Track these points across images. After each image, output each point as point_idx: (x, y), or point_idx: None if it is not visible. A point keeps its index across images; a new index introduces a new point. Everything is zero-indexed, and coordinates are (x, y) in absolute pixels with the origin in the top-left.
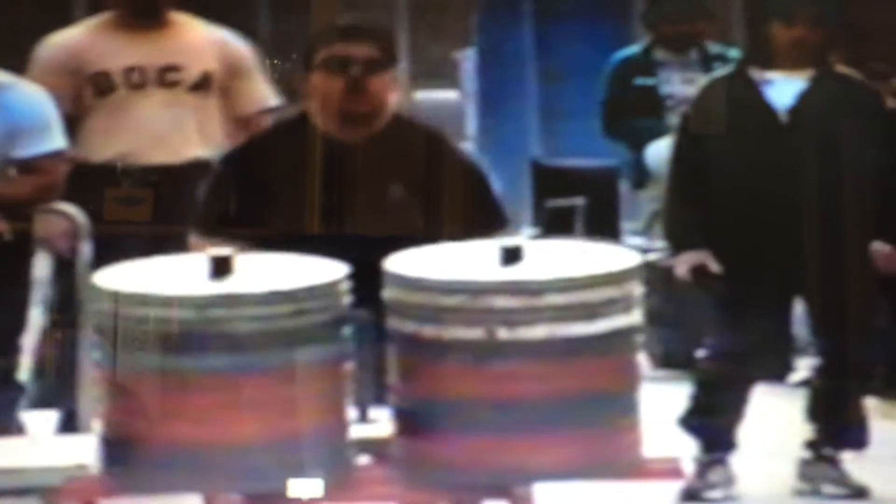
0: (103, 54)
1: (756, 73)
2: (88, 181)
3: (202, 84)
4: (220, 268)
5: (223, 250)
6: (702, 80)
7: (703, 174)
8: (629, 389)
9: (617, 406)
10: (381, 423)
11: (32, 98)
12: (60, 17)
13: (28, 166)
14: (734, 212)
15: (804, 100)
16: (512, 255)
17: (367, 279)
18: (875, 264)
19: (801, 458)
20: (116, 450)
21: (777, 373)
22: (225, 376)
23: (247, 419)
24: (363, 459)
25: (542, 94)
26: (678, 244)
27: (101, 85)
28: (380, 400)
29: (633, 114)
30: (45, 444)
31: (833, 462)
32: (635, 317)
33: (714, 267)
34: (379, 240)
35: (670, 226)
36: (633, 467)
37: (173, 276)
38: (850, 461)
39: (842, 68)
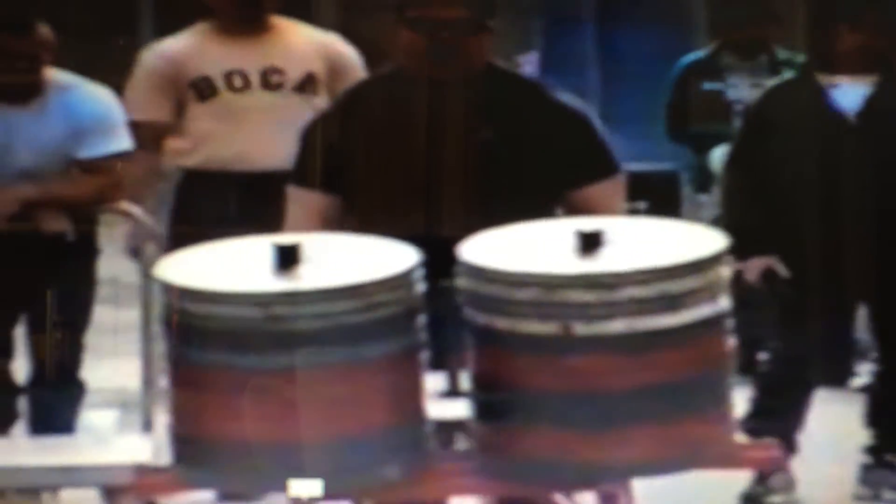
0: (205, 60)
1: (822, 78)
2: (193, 185)
3: (306, 85)
4: (287, 258)
5: (290, 239)
6: (767, 83)
7: (766, 178)
8: (718, 377)
9: (705, 395)
10: (461, 401)
11: (97, 98)
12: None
13: (92, 167)
14: (800, 216)
15: (871, 104)
16: (590, 242)
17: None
18: None
19: (862, 464)
20: (184, 445)
21: (838, 378)
22: (289, 374)
23: (314, 417)
24: (457, 444)
25: (604, 99)
26: (745, 248)
27: (203, 90)
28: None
29: (698, 118)
30: (104, 442)
31: (894, 467)
32: (723, 303)
33: (783, 272)
34: (474, 185)
35: (735, 229)
36: (727, 456)
37: (239, 268)
38: None
39: None
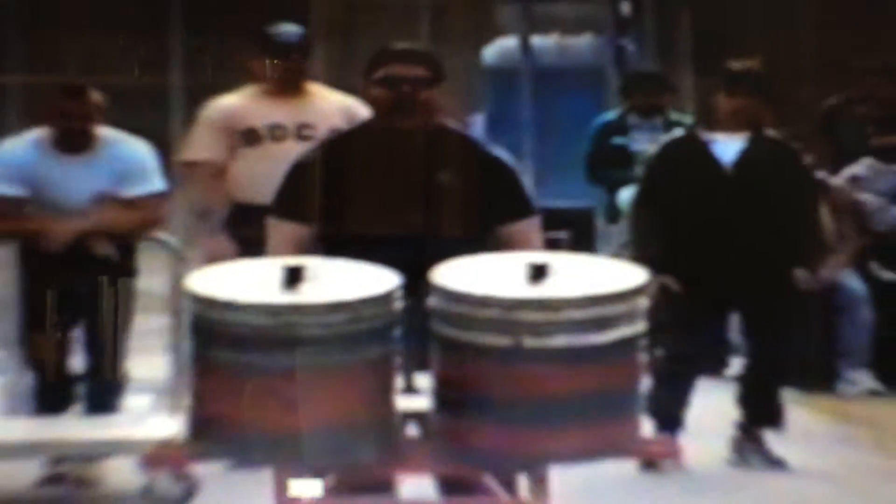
0: (253, 114)
1: (705, 135)
2: (240, 214)
3: None
4: (292, 277)
5: (297, 261)
6: (663, 138)
7: (663, 213)
8: (633, 386)
9: (623, 400)
10: (422, 394)
11: (137, 150)
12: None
13: (134, 203)
14: (688, 244)
15: (743, 156)
16: (539, 272)
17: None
18: (796, 286)
19: (733, 436)
20: (202, 426)
21: (715, 369)
22: (291, 372)
23: (309, 408)
24: (410, 431)
25: (537, 150)
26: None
27: (250, 138)
28: (422, 368)
29: (610, 165)
30: (142, 421)
31: (757, 439)
32: (640, 326)
33: (675, 287)
34: (427, 218)
35: (639, 255)
36: (636, 449)
37: (254, 283)
38: (771, 438)
39: (769, 131)
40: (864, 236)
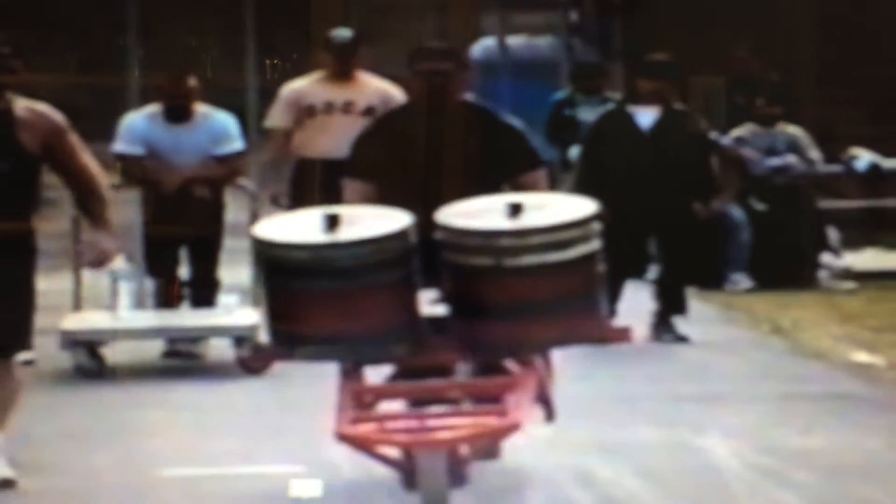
0: (313, 95)
1: (630, 108)
2: (303, 166)
3: (367, 112)
4: (331, 222)
5: (333, 209)
6: (599, 111)
7: (600, 167)
8: (593, 290)
9: (584, 301)
10: (441, 305)
11: (225, 119)
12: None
13: (222, 159)
14: (617, 188)
15: (657, 124)
16: (515, 209)
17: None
18: (694, 215)
19: (651, 321)
20: (278, 335)
21: (638, 274)
22: (334, 293)
23: (351, 319)
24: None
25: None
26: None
27: (310, 112)
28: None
29: (562, 131)
30: (232, 312)
31: (669, 323)
32: (594, 244)
33: (608, 217)
34: (455, 173)
35: (582, 194)
36: (597, 335)
37: (303, 228)
38: (678, 322)
39: (677, 105)
40: (744, 180)
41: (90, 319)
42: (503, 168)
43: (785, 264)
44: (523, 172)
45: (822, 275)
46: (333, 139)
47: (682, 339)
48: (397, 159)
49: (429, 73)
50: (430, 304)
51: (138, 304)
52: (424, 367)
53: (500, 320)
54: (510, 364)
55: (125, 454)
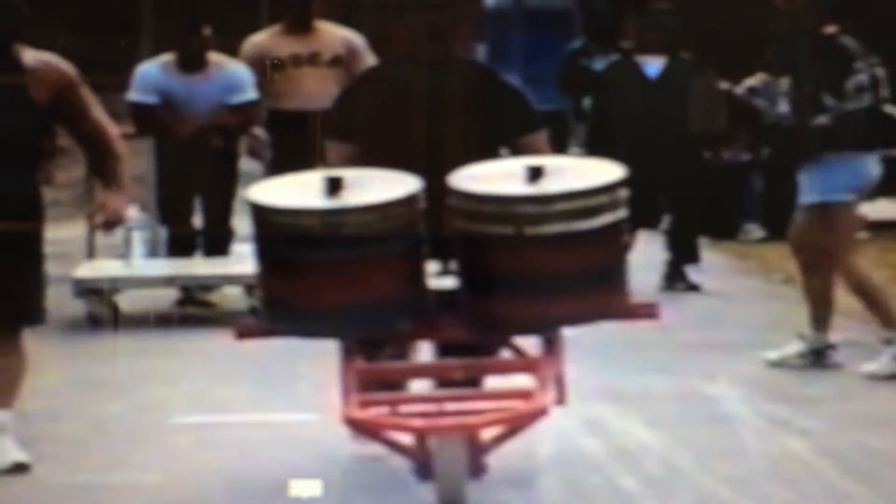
0: (276, 48)
1: (637, 58)
2: (279, 120)
3: (334, 62)
4: (334, 186)
5: (336, 172)
6: (609, 61)
7: (609, 117)
8: (618, 263)
9: (609, 274)
10: (448, 277)
11: (238, 69)
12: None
13: (235, 108)
14: (626, 134)
15: (663, 73)
16: (535, 173)
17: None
18: (705, 164)
19: (664, 270)
20: (272, 307)
21: (652, 224)
22: (336, 262)
23: (353, 290)
24: (441, 305)
25: (524, 69)
26: (598, 153)
27: (277, 66)
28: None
29: (577, 81)
30: (244, 261)
31: (681, 272)
32: (621, 213)
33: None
34: (451, 133)
35: (596, 142)
36: (623, 312)
37: (305, 192)
38: (691, 271)
39: (683, 55)
40: (756, 129)
41: (104, 268)
42: (503, 130)
43: None
44: (524, 135)
45: None
46: (303, 91)
47: (693, 288)
48: (386, 119)
49: (422, 24)
50: (434, 276)
51: (152, 252)
52: (444, 345)
53: (519, 295)
54: (522, 342)
55: (137, 402)
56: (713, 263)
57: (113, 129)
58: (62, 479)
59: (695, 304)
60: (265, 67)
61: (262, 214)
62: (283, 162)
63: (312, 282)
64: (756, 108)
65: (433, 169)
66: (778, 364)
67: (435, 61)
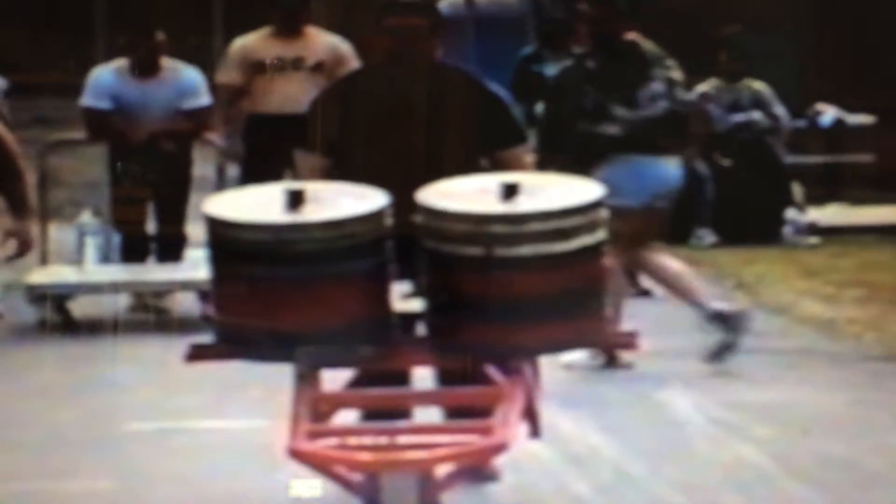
0: (261, 50)
1: (588, 63)
2: (254, 122)
3: (317, 68)
4: (295, 200)
5: (298, 185)
6: (561, 66)
7: (562, 121)
8: (596, 287)
9: (586, 299)
10: (419, 300)
11: (191, 75)
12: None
13: (189, 113)
14: (574, 136)
15: None
16: (510, 191)
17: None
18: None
19: None
20: (225, 329)
21: None
22: (294, 282)
23: (312, 312)
24: (417, 330)
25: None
26: (550, 153)
27: (259, 68)
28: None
29: (529, 87)
30: (197, 267)
31: (632, 277)
32: (600, 235)
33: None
34: (427, 146)
35: (545, 143)
36: (600, 340)
37: (260, 205)
38: (642, 276)
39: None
40: (708, 135)
41: (56, 273)
42: (484, 142)
43: (749, 219)
44: (506, 148)
45: (787, 230)
46: (284, 95)
47: (645, 294)
48: (360, 129)
49: (398, 28)
50: (401, 298)
51: (104, 257)
52: (384, 374)
53: (489, 320)
54: (491, 371)
55: (91, 408)
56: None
57: (15, 146)
58: (16, 487)
59: (646, 310)
60: (248, 69)
61: (216, 228)
62: (257, 167)
63: (266, 302)
64: (707, 114)
65: (408, 183)
66: (569, 367)
67: (410, 67)
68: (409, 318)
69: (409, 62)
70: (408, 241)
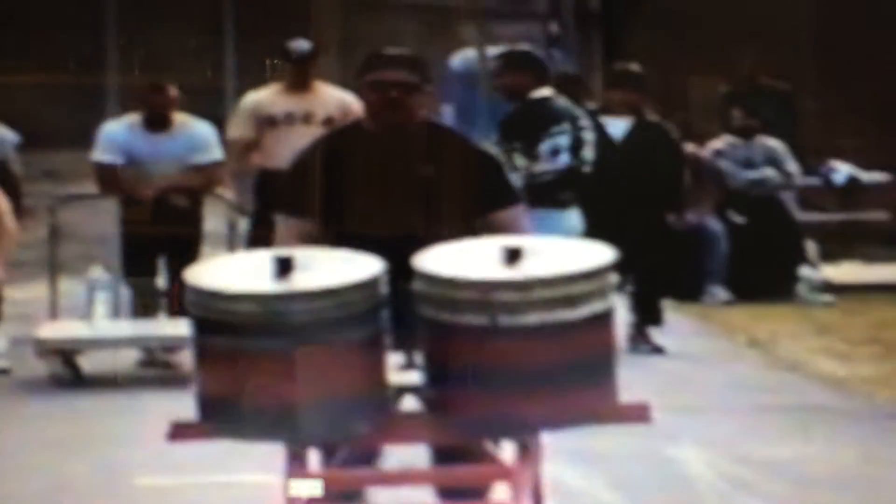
0: (272, 106)
1: (602, 118)
2: (264, 178)
3: (327, 122)
4: (283, 267)
5: (286, 252)
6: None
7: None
8: (606, 357)
9: (596, 370)
10: (415, 371)
11: (203, 129)
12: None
13: (200, 168)
14: (590, 199)
15: (629, 135)
16: (513, 255)
17: (405, 245)
18: (668, 226)
19: (628, 332)
20: (208, 406)
21: (617, 286)
22: (283, 355)
23: (303, 387)
24: (405, 404)
25: (489, 131)
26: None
27: (270, 123)
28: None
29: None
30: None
31: (645, 334)
32: (610, 302)
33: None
34: (416, 209)
35: None
36: (611, 414)
37: (247, 274)
38: (655, 334)
39: (651, 115)
40: (722, 192)
41: (66, 328)
42: (476, 203)
43: (763, 277)
44: (499, 209)
45: (800, 287)
46: (295, 150)
47: (658, 350)
48: (344, 191)
49: (385, 83)
50: (396, 369)
51: (114, 312)
52: (363, 451)
53: (493, 392)
54: (490, 449)
55: (99, 462)
56: (677, 326)
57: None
58: None
59: (659, 367)
60: (258, 124)
61: (199, 298)
62: (268, 222)
63: (254, 377)
64: (721, 170)
65: (400, 248)
66: None
67: (397, 125)
68: (406, 392)
69: (397, 120)
70: (400, 309)
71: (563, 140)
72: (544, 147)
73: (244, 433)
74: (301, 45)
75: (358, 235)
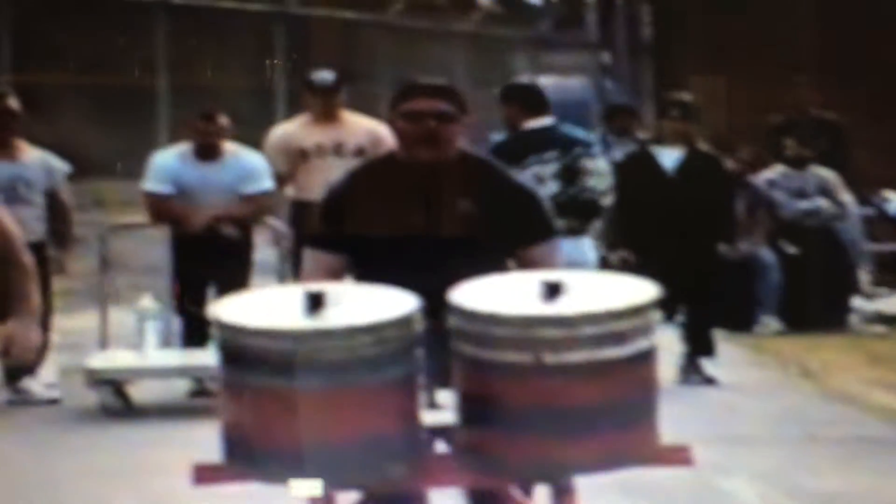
0: (303, 138)
1: (654, 149)
2: (298, 209)
3: (358, 153)
4: (315, 302)
5: (318, 287)
6: (626, 151)
7: (628, 206)
8: (650, 397)
9: (639, 410)
10: (447, 409)
11: (253, 158)
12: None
13: (250, 198)
14: (643, 226)
15: (681, 165)
16: (553, 290)
17: (441, 281)
18: (720, 256)
19: (679, 363)
20: (236, 447)
21: (667, 317)
22: (318, 393)
23: (336, 428)
24: (438, 446)
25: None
26: (614, 244)
27: (301, 155)
28: (445, 384)
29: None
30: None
31: (697, 365)
32: (653, 339)
33: (632, 259)
34: (450, 244)
35: (611, 237)
36: (654, 457)
37: (278, 309)
38: (706, 364)
39: (702, 145)
40: (774, 222)
41: (116, 358)
42: (511, 238)
43: (815, 307)
44: (535, 244)
45: (853, 318)
46: (327, 181)
47: (709, 381)
48: (379, 224)
49: (421, 114)
50: (428, 409)
51: (164, 342)
52: (394, 496)
53: (535, 433)
54: (519, 495)
55: (149, 493)
56: (729, 356)
57: (17, 236)
58: None
59: (710, 397)
60: (290, 156)
61: (227, 334)
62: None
63: (282, 416)
64: (773, 200)
65: (434, 283)
66: None
67: (432, 157)
68: (440, 432)
69: (432, 151)
70: (431, 347)
71: (549, 169)
72: (525, 176)
73: (274, 476)
74: (325, 76)
75: (394, 271)
